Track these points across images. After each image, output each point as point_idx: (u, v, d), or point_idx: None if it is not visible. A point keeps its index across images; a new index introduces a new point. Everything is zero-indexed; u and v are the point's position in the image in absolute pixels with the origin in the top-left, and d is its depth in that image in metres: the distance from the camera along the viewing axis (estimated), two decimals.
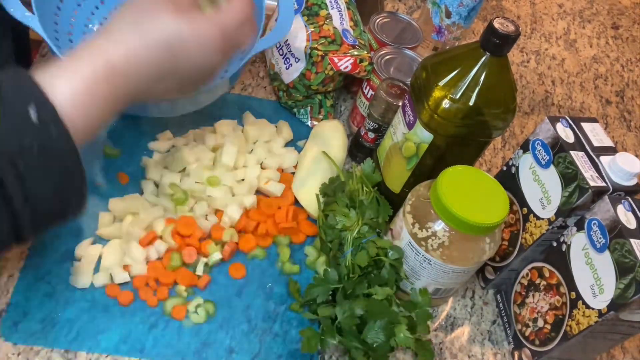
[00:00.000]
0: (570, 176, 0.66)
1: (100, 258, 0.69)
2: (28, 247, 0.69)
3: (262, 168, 0.81)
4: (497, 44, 0.63)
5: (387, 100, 0.79)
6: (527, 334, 0.72)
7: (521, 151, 0.73)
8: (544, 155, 0.70)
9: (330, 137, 0.83)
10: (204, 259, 0.71)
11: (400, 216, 0.69)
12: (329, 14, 0.86)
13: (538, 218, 0.71)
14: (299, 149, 0.85)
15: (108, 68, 0.48)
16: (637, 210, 0.63)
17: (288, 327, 0.70)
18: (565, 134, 0.69)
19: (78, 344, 0.63)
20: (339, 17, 0.86)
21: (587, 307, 0.64)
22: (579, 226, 0.66)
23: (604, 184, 0.65)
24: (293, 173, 0.82)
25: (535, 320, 0.71)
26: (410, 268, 0.69)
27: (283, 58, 0.87)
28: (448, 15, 0.96)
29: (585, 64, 1.20)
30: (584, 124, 0.70)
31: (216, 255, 0.71)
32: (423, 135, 0.69)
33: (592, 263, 0.64)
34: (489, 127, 0.69)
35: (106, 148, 0.78)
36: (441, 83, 0.66)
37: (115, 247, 0.70)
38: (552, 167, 0.69)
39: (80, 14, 0.82)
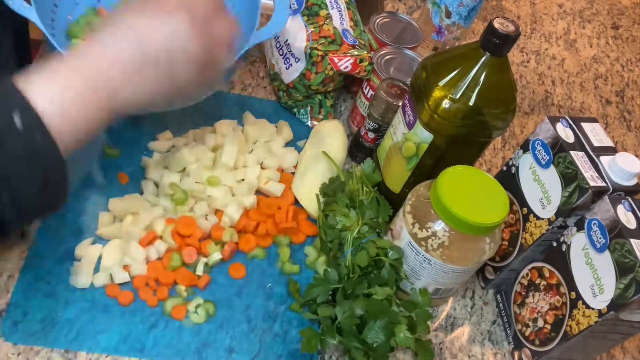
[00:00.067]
0: (570, 176, 0.66)
1: (100, 258, 0.69)
2: (28, 247, 0.69)
3: (262, 168, 0.81)
4: (497, 44, 0.63)
5: (387, 100, 0.79)
6: (527, 334, 0.72)
7: (521, 151, 0.73)
8: (544, 155, 0.70)
9: (330, 137, 0.83)
10: (204, 259, 0.71)
11: (400, 216, 0.69)
12: (329, 14, 0.86)
13: (538, 218, 0.71)
14: (299, 149, 0.85)
15: (96, 76, 0.49)
16: (637, 210, 0.63)
17: (288, 327, 0.70)
18: (565, 134, 0.69)
19: (78, 344, 0.63)
20: (339, 17, 0.86)
21: (587, 307, 0.64)
22: (579, 226, 0.66)
23: (604, 184, 0.65)
24: (293, 173, 0.82)
25: (535, 320, 0.71)
26: (410, 268, 0.69)
27: (283, 58, 0.87)
28: (448, 15, 0.96)
29: (585, 64, 1.20)
30: (584, 124, 0.70)
31: (216, 255, 0.71)
32: (423, 135, 0.69)
33: (592, 263, 0.64)
34: (489, 127, 0.69)
35: (106, 148, 0.78)
36: (441, 83, 0.66)
37: (115, 247, 0.70)
38: (552, 167, 0.69)
39: (77, 12, 0.81)
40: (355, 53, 0.83)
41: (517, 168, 0.74)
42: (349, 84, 0.94)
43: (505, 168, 0.76)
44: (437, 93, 0.66)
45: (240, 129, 0.83)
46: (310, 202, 0.78)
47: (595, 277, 0.63)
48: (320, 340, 0.65)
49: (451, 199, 0.63)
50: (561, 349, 0.67)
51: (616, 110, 1.13)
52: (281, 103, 0.91)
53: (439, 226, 0.65)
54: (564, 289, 0.67)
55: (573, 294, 0.66)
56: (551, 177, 0.69)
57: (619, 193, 0.65)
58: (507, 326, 0.76)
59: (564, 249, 0.68)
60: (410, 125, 0.71)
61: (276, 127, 0.87)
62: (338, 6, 0.87)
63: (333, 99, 0.90)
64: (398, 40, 0.90)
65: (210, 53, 0.55)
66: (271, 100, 0.92)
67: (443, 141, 0.69)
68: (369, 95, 0.85)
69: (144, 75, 0.52)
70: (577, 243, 0.66)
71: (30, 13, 0.65)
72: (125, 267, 0.69)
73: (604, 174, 0.66)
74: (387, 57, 0.86)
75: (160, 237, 0.72)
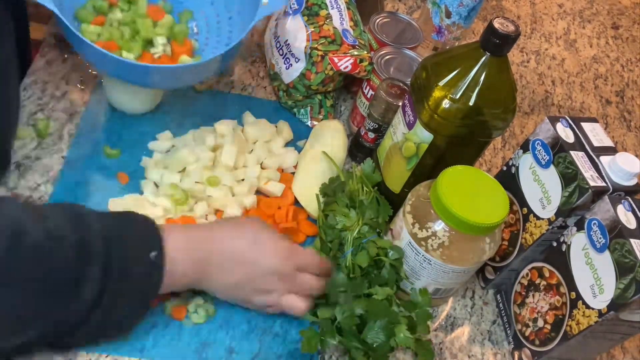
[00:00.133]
0: (570, 176, 0.66)
1: None
2: None
3: (262, 168, 0.81)
4: (497, 44, 0.63)
5: (387, 100, 0.79)
6: (527, 334, 0.72)
7: (521, 151, 0.73)
8: (544, 155, 0.70)
9: (330, 137, 0.83)
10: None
11: (400, 216, 0.69)
12: (329, 14, 0.86)
13: (538, 218, 0.71)
14: (299, 149, 0.85)
15: (207, 249, 0.63)
16: (637, 210, 0.63)
17: (288, 327, 0.70)
18: (565, 134, 0.69)
19: None
20: (339, 17, 0.86)
21: (587, 307, 0.64)
22: (579, 226, 0.66)
23: (604, 184, 0.65)
24: (293, 173, 0.82)
25: (535, 320, 0.71)
26: (410, 268, 0.69)
27: (283, 58, 0.87)
28: (448, 15, 0.96)
29: (585, 64, 1.20)
30: (584, 124, 0.70)
31: None
32: (423, 135, 0.69)
33: (592, 263, 0.64)
34: (489, 127, 0.69)
35: (106, 148, 0.78)
36: (441, 83, 0.66)
37: None
38: (552, 167, 0.69)
39: None
40: (355, 53, 0.83)
41: (517, 168, 0.74)
42: (349, 84, 0.94)
43: (505, 168, 0.76)
44: (437, 93, 0.66)
45: (240, 129, 0.83)
46: (310, 202, 0.78)
47: (595, 277, 0.63)
48: (320, 340, 0.65)
49: (451, 199, 0.63)
50: (561, 349, 0.67)
51: (616, 110, 1.13)
52: (281, 103, 0.91)
53: (439, 226, 0.65)
54: (564, 289, 0.67)
55: (573, 294, 0.66)
56: (551, 177, 0.69)
57: (619, 193, 0.65)
58: (507, 326, 0.76)
59: (564, 249, 0.68)
60: (410, 125, 0.71)
61: (276, 127, 0.87)
62: (338, 6, 0.87)
63: (333, 99, 0.90)
64: (398, 40, 0.90)
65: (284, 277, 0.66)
66: (271, 100, 0.92)
67: (443, 141, 0.69)
68: (369, 95, 0.85)
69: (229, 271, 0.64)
70: (577, 243, 0.66)
71: None
72: None
73: (604, 174, 0.66)
74: (387, 57, 0.86)
75: None
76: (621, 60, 1.24)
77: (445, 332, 0.75)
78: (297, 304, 0.66)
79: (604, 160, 0.67)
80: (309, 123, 0.89)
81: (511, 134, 1.01)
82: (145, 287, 0.59)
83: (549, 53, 1.19)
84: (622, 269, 0.60)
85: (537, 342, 0.70)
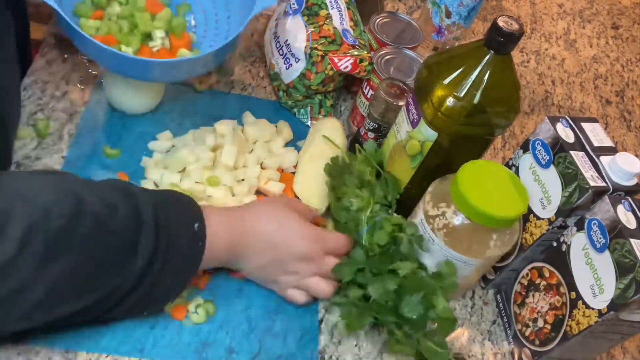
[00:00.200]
0: (570, 176, 0.66)
1: None
2: None
3: (262, 168, 0.81)
4: (501, 42, 0.63)
5: (386, 100, 0.79)
6: (527, 334, 0.72)
7: (521, 151, 0.73)
8: (544, 155, 0.70)
9: (329, 135, 0.83)
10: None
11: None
12: (329, 14, 0.86)
13: (538, 218, 0.71)
14: (299, 149, 0.85)
15: (239, 230, 0.65)
16: (637, 210, 0.63)
17: (288, 327, 0.70)
18: (565, 134, 0.69)
19: (78, 344, 0.63)
20: (339, 17, 0.86)
21: (587, 307, 0.64)
22: (579, 226, 0.66)
23: (604, 184, 0.65)
24: (293, 173, 0.82)
25: (535, 320, 0.71)
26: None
27: (283, 58, 0.87)
28: (448, 15, 0.96)
29: (585, 64, 1.20)
30: (584, 124, 0.70)
31: None
32: (427, 134, 0.69)
33: (592, 263, 0.64)
34: (493, 125, 0.69)
35: (106, 148, 0.78)
36: (445, 81, 0.66)
37: None
38: (552, 167, 0.69)
39: None
40: (355, 53, 0.83)
41: (517, 168, 0.74)
42: (349, 84, 0.94)
43: None
44: (441, 91, 0.66)
45: (240, 129, 0.83)
46: (312, 200, 0.78)
47: (595, 277, 0.63)
48: (358, 318, 0.66)
49: (468, 186, 0.64)
50: (561, 349, 0.67)
51: (616, 110, 1.13)
52: (281, 103, 0.91)
53: (450, 208, 0.66)
54: (564, 289, 0.67)
55: (573, 294, 0.66)
56: (551, 177, 0.69)
57: (619, 193, 0.65)
58: (507, 326, 0.76)
59: (564, 249, 0.68)
60: (414, 124, 0.71)
61: (276, 127, 0.87)
62: (338, 6, 0.87)
63: (333, 99, 0.90)
64: (398, 40, 0.90)
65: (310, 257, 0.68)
66: (271, 100, 0.92)
67: (447, 139, 0.69)
68: (369, 95, 0.85)
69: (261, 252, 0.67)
70: (577, 243, 0.66)
71: None
72: None
73: (604, 174, 0.66)
74: (387, 57, 0.86)
75: None
76: (621, 60, 1.24)
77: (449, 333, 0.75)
78: (323, 286, 0.68)
79: (604, 160, 0.67)
80: (309, 123, 0.89)
81: (511, 134, 1.01)
82: (189, 258, 0.61)
83: (549, 53, 1.19)
84: (622, 269, 0.60)
85: (537, 342, 0.70)
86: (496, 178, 0.67)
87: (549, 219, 0.69)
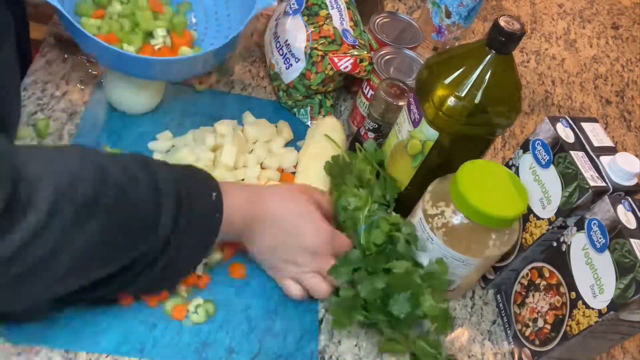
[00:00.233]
0: (570, 176, 0.66)
1: None
2: None
3: (262, 168, 0.81)
4: (502, 42, 0.63)
5: (386, 100, 0.79)
6: (527, 334, 0.72)
7: (521, 151, 0.73)
8: (544, 155, 0.70)
9: (328, 134, 0.83)
10: (204, 259, 0.71)
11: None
12: (329, 14, 0.86)
13: (538, 218, 0.71)
14: (299, 149, 0.85)
15: (257, 207, 0.67)
16: (637, 210, 0.63)
17: (288, 327, 0.70)
18: (565, 134, 0.69)
19: (78, 344, 0.63)
20: (339, 17, 0.86)
21: (587, 307, 0.64)
22: (579, 226, 0.66)
23: (604, 184, 0.65)
24: (293, 173, 0.82)
25: (535, 320, 0.71)
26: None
27: (283, 58, 0.87)
28: (448, 15, 0.96)
29: (585, 64, 1.20)
30: (584, 124, 0.71)
31: (216, 255, 0.71)
32: (428, 133, 0.69)
33: (592, 263, 0.64)
34: (494, 125, 0.69)
35: (106, 148, 0.77)
36: (447, 81, 0.66)
37: None
38: (552, 167, 0.69)
39: None
40: (355, 53, 0.83)
41: (517, 168, 0.74)
42: (349, 84, 0.94)
43: None
44: (442, 91, 0.66)
45: (240, 129, 0.83)
46: None
47: (595, 277, 0.63)
48: (347, 316, 0.66)
49: (468, 185, 0.64)
50: (561, 349, 0.67)
51: (616, 110, 1.13)
52: (281, 103, 0.91)
53: (449, 207, 0.66)
54: (564, 289, 0.67)
55: (573, 294, 0.66)
56: (551, 177, 0.69)
57: (619, 193, 0.65)
58: (507, 326, 0.76)
59: (564, 249, 0.68)
60: (415, 123, 0.71)
61: (276, 127, 0.87)
62: (338, 6, 0.87)
63: (333, 99, 0.90)
64: (398, 40, 0.90)
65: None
66: (271, 100, 0.92)
67: (448, 139, 0.69)
68: (369, 95, 0.85)
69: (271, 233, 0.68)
70: (577, 243, 0.66)
71: None
72: None
73: (604, 174, 0.66)
74: (387, 57, 0.86)
75: None
76: (621, 60, 1.24)
77: (445, 332, 0.75)
78: (322, 285, 0.69)
79: (604, 160, 0.67)
80: (309, 123, 0.89)
81: (511, 134, 1.01)
82: (208, 228, 0.63)
83: (549, 53, 1.19)
84: (622, 269, 0.60)
85: (537, 342, 0.70)
86: (496, 178, 0.67)
87: (549, 219, 0.69)
